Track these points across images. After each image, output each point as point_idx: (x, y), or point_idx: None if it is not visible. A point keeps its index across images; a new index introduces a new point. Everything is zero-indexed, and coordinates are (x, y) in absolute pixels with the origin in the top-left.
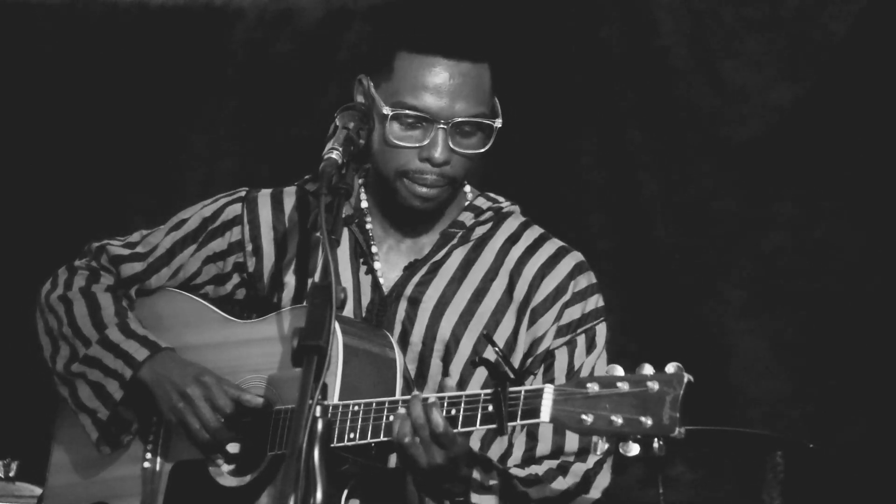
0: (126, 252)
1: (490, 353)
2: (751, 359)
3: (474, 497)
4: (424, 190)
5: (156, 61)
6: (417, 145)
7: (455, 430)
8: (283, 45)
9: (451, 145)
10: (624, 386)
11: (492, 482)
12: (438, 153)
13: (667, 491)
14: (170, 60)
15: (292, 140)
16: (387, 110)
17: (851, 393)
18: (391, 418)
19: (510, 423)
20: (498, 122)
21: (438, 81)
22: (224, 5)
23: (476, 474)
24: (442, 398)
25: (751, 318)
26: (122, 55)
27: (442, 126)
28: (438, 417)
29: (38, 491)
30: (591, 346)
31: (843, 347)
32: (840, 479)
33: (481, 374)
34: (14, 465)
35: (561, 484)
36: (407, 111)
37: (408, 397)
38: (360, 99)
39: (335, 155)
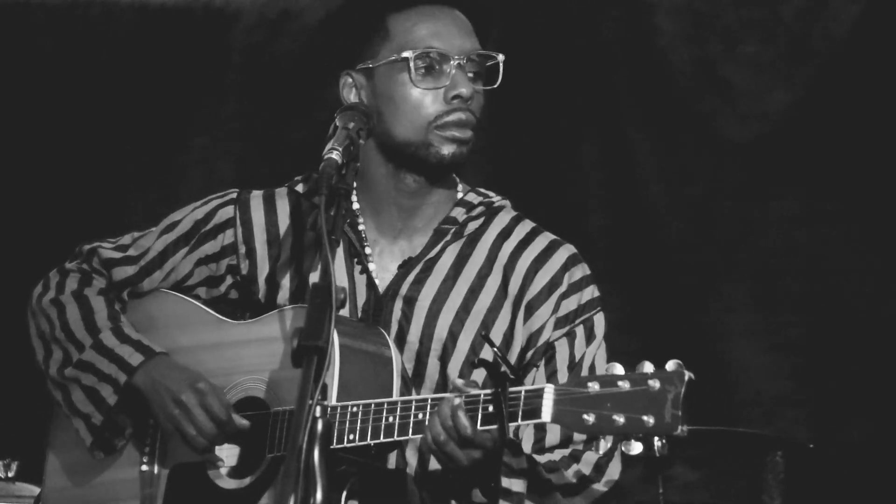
0: (118, 255)
1: (489, 354)
2: (751, 359)
3: (505, 481)
4: (459, 133)
5: (156, 62)
6: (440, 86)
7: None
8: (283, 45)
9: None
10: (625, 385)
11: (519, 466)
12: (465, 87)
13: (667, 491)
14: (170, 61)
15: (292, 140)
16: (407, 53)
17: (851, 393)
18: (390, 419)
19: (511, 424)
20: (501, 56)
21: (440, 23)
22: (224, 5)
23: (505, 458)
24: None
25: (751, 318)
26: (122, 55)
27: (458, 61)
28: (463, 420)
29: (37, 491)
30: (590, 337)
31: (843, 347)
32: (840, 479)
33: (481, 372)
34: (14, 465)
35: (576, 470)
36: (424, 49)
37: (411, 398)
38: (350, 96)
39: (335, 155)
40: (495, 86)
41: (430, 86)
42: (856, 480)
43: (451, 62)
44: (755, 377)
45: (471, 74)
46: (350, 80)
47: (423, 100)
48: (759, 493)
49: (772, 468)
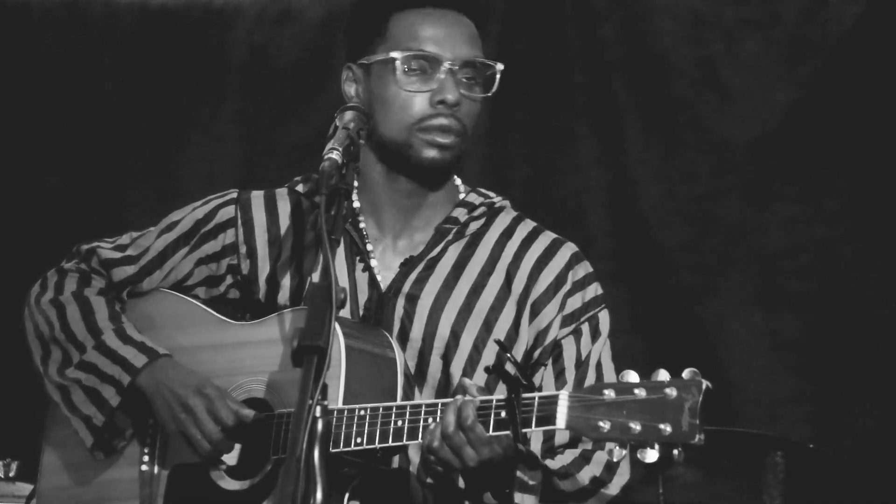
0: (117, 255)
1: (493, 357)
2: (751, 359)
3: (517, 496)
4: (440, 138)
5: (156, 61)
6: (428, 89)
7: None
8: (283, 45)
9: (460, 90)
10: (641, 392)
11: (533, 482)
12: (451, 93)
13: (667, 491)
14: (170, 60)
15: (292, 140)
16: (395, 54)
17: (851, 393)
18: (398, 423)
19: (524, 430)
20: (500, 66)
21: (439, 27)
22: (224, 5)
23: (519, 473)
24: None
25: (751, 318)
26: (122, 55)
27: (449, 67)
28: (468, 411)
29: None
30: (595, 334)
31: (843, 347)
32: (840, 479)
33: (483, 372)
34: (14, 465)
35: (588, 472)
36: (414, 52)
37: (421, 402)
38: (350, 90)
39: (335, 155)
40: (490, 94)
41: (415, 88)
42: (856, 480)
43: (443, 67)
44: (756, 377)
45: (464, 81)
46: (351, 73)
47: (409, 101)
48: (759, 493)
49: (772, 468)
